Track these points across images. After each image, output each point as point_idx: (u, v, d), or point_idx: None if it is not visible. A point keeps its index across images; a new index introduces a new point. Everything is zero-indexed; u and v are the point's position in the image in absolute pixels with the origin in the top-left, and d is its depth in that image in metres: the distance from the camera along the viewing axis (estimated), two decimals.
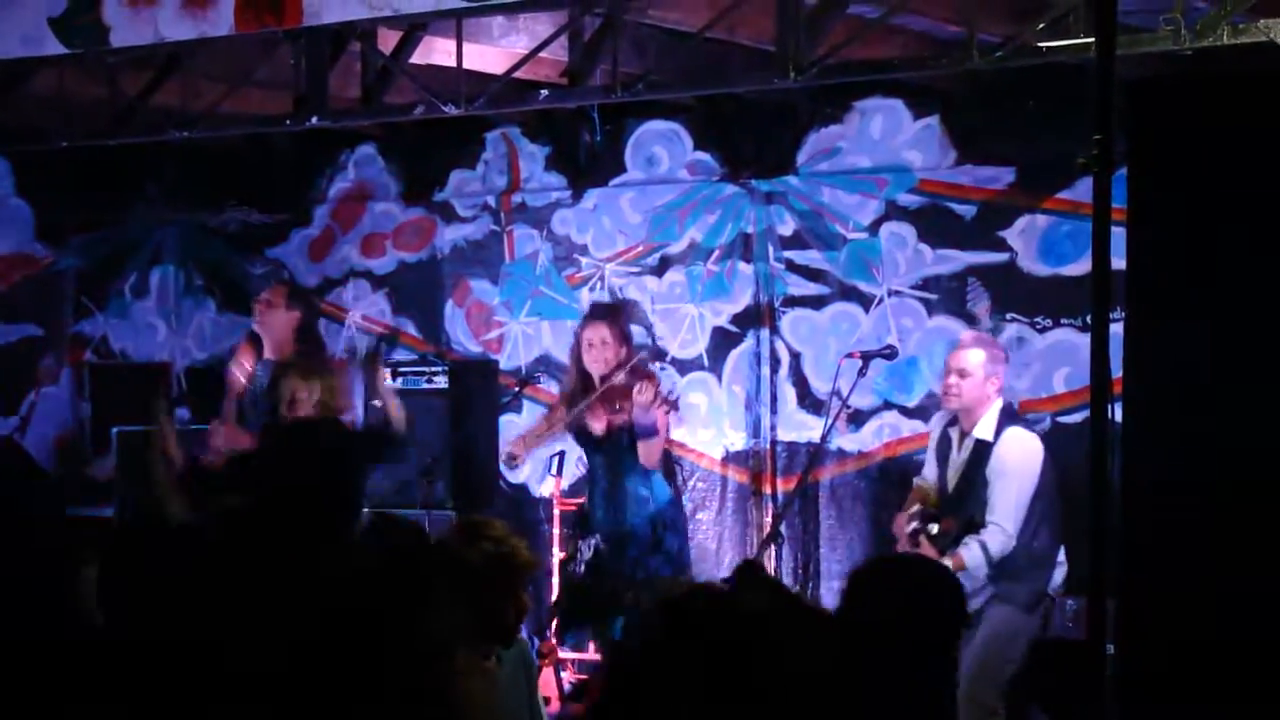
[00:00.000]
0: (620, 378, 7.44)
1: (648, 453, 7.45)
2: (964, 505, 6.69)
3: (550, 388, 9.28)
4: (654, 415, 7.37)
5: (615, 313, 7.76)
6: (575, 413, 7.55)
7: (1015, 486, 6.58)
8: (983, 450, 6.70)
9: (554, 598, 8.20)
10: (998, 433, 6.69)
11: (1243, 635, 3.54)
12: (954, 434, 6.90)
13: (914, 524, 6.74)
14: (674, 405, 7.61)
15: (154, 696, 3.46)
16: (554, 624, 8.25)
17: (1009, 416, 6.80)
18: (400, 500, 8.46)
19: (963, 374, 6.77)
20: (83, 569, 4.04)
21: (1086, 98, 3.58)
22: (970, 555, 6.53)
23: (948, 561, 6.46)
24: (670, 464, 8.51)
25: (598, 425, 7.51)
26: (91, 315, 10.38)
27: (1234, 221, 3.62)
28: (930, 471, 7.06)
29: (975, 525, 6.58)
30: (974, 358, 6.77)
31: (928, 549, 6.59)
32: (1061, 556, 6.76)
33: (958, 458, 6.83)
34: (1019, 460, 6.64)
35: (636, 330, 8.93)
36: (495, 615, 4.44)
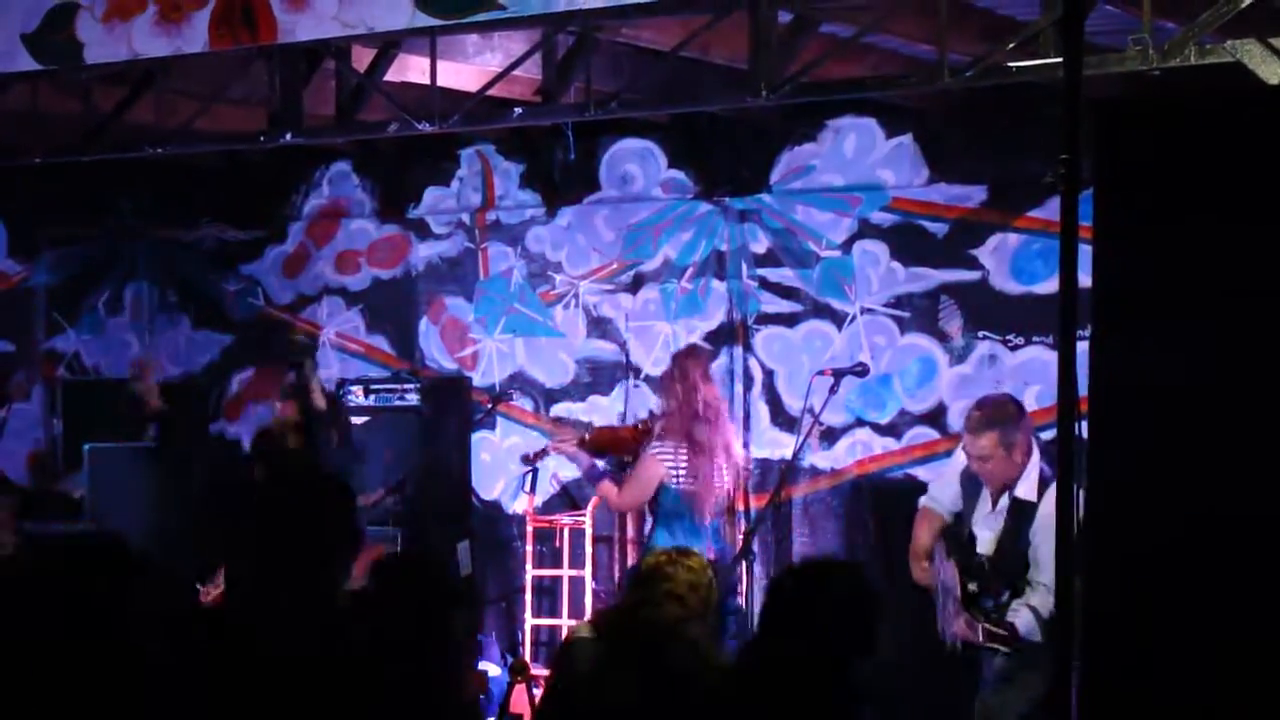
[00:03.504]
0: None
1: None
2: (1007, 565, 6.30)
3: (524, 404, 9.30)
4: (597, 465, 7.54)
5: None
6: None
7: None
8: (1027, 511, 6.30)
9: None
10: (1041, 492, 6.25)
11: (1209, 649, 3.57)
12: (988, 490, 6.48)
13: (958, 589, 6.30)
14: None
15: None
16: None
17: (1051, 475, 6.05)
18: (372, 516, 8.46)
19: (983, 459, 6.39)
20: None
21: (1056, 117, 3.60)
22: (1023, 622, 6.14)
23: (1001, 631, 6.13)
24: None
25: None
26: (64, 332, 10.35)
27: (1199, 240, 3.66)
28: (946, 495, 6.69)
29: (1020, 588, 6.22)
30: (986, 443, 6.35)
31: (975, 624, 6.19)
32: None
33: (994, 515, 6.42)
34: None
35: (609, 348, 8.97)
36: None
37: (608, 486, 7.80)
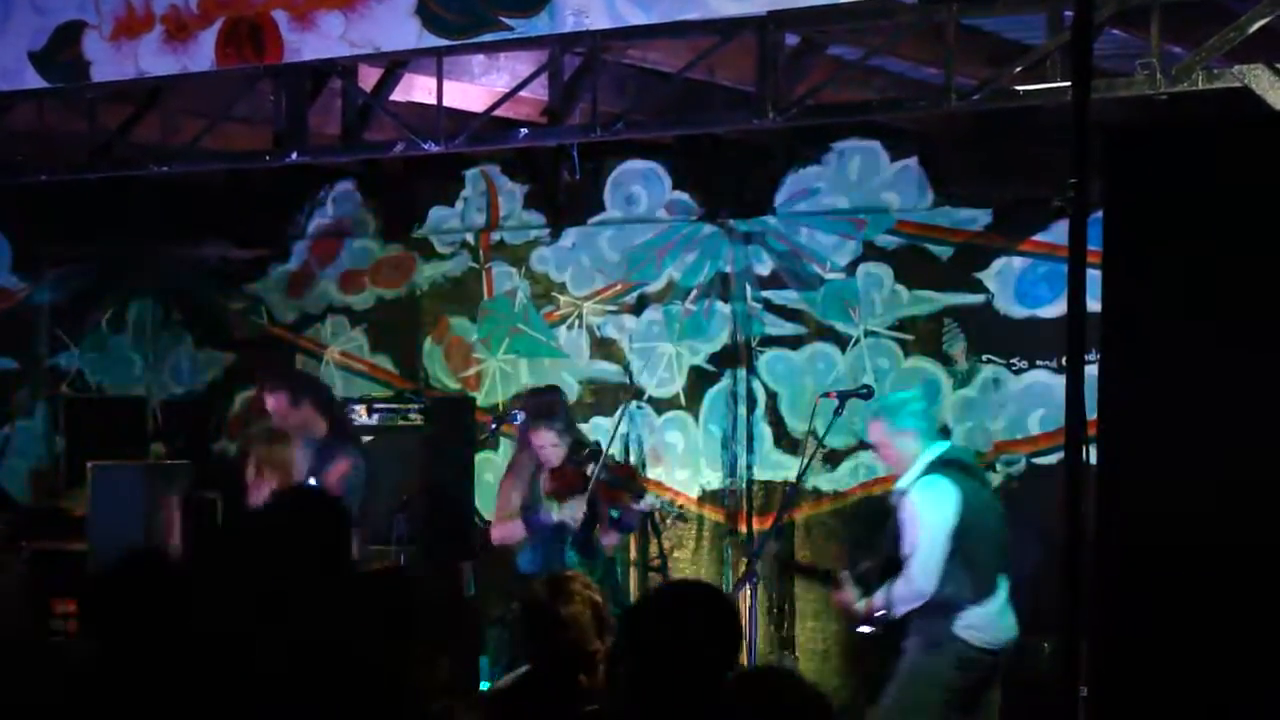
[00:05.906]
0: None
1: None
2: (885, 548, 6.75)
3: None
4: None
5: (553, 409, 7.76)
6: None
7: (925, 533, 6.54)
8: (900, 498, 6.72)
9: None
10: (914, 481, 6.69)
11: (1214, 675, 3.56)
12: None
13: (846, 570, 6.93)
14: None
15: None
16: None
17: (933, 466, 6.69)
18: (374, 537, 8.43)
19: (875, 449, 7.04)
20: None
21: (1063, 141, 3.60)
22: (878, 597, 6.66)
23: (861, 605, 6.70)
24: None
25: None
26: (67, 349, 10.35)
27: (1205, 264, 3.66)
28: None
29: (895, 566, 6.64)
30: (873, 433, 6.94)
31: (848, 590, 6.80)
32: (989, 601, 6.62)
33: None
34: (925, 506, 6.58)
35: (613, 369, 8.97)
36: None
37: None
